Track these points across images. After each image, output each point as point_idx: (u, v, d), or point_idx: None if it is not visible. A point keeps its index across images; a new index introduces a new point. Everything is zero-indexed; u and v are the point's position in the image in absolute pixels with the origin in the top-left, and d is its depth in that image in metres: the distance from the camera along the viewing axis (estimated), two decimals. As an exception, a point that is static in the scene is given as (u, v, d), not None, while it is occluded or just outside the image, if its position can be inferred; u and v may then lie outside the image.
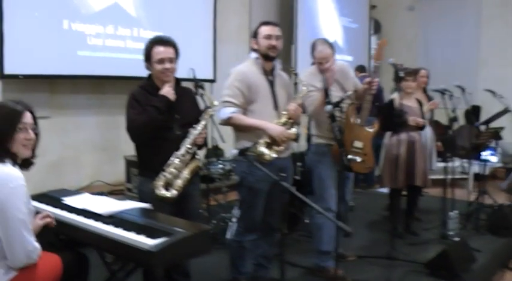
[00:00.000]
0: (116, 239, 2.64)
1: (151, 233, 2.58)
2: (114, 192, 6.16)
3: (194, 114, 3.66)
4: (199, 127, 3.55)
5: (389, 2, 11.37)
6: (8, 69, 5.41)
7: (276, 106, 3.87)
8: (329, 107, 3.93)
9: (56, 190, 3.85)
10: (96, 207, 3.04)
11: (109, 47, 6.33)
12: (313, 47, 4.37)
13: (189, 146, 3.50)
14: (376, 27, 11.41)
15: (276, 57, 3.91)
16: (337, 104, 4.02)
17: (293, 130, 3.83)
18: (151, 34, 6.41)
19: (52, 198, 3.41)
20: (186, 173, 3.49)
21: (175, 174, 3.46)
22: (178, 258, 2.77)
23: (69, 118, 6.34)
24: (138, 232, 2.61)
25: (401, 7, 11.20)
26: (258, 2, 8.80)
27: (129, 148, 3.87)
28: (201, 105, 3.76)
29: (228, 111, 3.79)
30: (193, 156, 3.58)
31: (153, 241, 2.49)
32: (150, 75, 3.65)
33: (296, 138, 3.92)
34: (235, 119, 3.79)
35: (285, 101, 3.92)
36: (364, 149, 4.30)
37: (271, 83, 3.90)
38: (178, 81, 3.69)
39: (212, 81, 7.49)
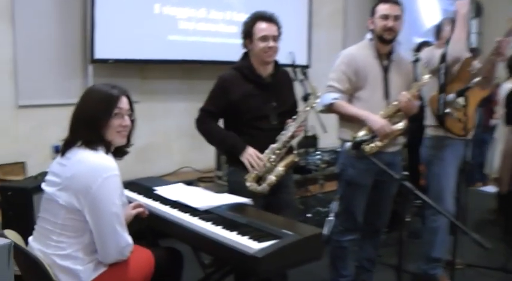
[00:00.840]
0: (215, 239, 2.37)
1: (256, 235, 2.29)
2: (203, 179, 5.98)
3: (292, 102, 3.43)
4: (299, 119, 3.25)
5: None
6: (99, 54, 5.29)
7: (386, 95, 3.49)
8: (451, 96, 3.56)
9: (145, 178, 3.69)
10: (190, 200, 2.81)
11: (200, 31, 6.09)
12: (440, 28, 4.07)
13: (286, 139, 3.22)
14: (478, 10, 10.71)
15: (393, 40, 3.51)
16: (461, 93, 3.62)
17: (399, 125, 3.43)
18: (245, 17, 6.26)
19: (143, 187, 3.22)
20: (280, 168, 3.21)
21: (269, 168, 3.18)
22: (285, 265, 2.39)
23: (158, 104, 6.20)
24: (241, 233, 2.33)
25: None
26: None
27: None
28: (298, 93, 3.46)
29: (330, 97, 3.48)
30: (290, 150, 3.29)
31: (258, 245, 2.19)
32: (245, 55, 3.37)
33: (402, 134, 3.53)
34: (337, 106, 3.48)
35: (399, 89, 3.51)
36: (467, 109, 3.79)
37: (385, 69, 3.52)
38: (277, 63, 3.41)
39: (306, 67, 7.12)
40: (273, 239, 2.25)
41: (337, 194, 3.77)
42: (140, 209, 2.73)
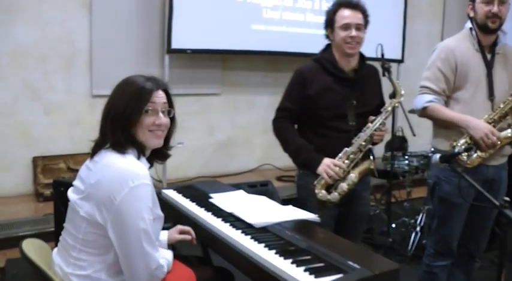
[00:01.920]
0: (264, 267, 1.91)
1: (315, 266, 1.83)
2: (283, 178, 5.58)
3: (376, 102, 2.99)
4: (378, 121, 2.85)
5: None
6: (176, 44, 4.97)
7: (491, 95, 2.94)
8: None
9: (206, 182, 3.34)
10: (247, 213, 2.37)
11: (286, 21, 5.64)
12: None
13: (363, 142, 2.83)
14: None
15: (498, 29, 2.95)
16: None
17: (508, 132, 2.87)
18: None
19: (199, 193, 2.82)
20: (354, 176, 2.81)
21: (341, 175, 2.77)
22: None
23: (241, 96, 5.90)
24: (298, 262, 1.87)
25: None
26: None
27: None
28: (386, 92, 2.99)
29: (423, 100, 2.99)
30: (366, 155, 2.88)
31: None
32: (328, 46, 2.98)
33: (511, 143, 2.95)
34: (432, 110, 2.98)
35: (506, 88, 2.97)
36: None
37: (489, 64, 2.96)
38: (363, 57, 3.00)
39: (400, 61, 6.54)
40: (335, 274, 1.78)
41: (427, 205, 3.26)
42: (187, 237, 2.37)
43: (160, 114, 2.02)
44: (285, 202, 3.01)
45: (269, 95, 5.69)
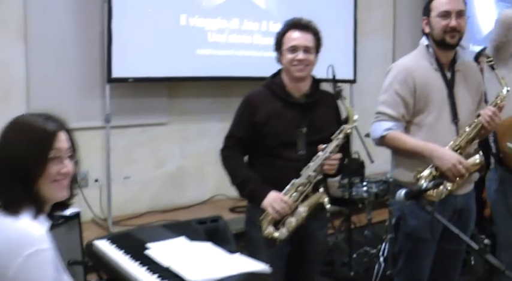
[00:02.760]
0: None
1: None
2: (237, 209, 5.21)
3: (330, 130, 2.74)
4: (328, 150, 2.65)
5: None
6: (117, 72, 4.59)
7: (455, 117, 2.72)
8: None
9: (146, 227, 3.21)
10: (187, 266, 2.04)
11: (233, 44, 5.33)
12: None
13: (312, 173, 2.63)
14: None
15: (457, 44, 2.74)
16: None
17: (476, 158, 2.66)
18: (282, 28, 5.55)
19: (135, 242, 2.46)
20: (302, 210, 2.63)
21: (288, 210, 2.62)
22: None
23: (190, 124, 5.54)
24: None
25: None
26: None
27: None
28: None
29: (381, 128, 2.76)
30: (316, 187, 2.67)
31: None
32: (279, 71, 2.82)
33: (481, 169, 2.73)
34: (391, 139, 2.74)
35: (470, 108, 2.76)
36: None
37: (450, 83, 2.75)
38: (317, 81, 2.83)
39: (352, 81, 6.28)
40: None
41: (389, 234, 3.32)
42: None
43: (66, 161, 1.68)
44: (238, 236, 2.88)
45: (220, 122, 5.40)
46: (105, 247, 2.42)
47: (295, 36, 2.73)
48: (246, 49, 5.40)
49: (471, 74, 2.88)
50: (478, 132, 2.69)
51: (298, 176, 2.64)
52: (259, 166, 2.78)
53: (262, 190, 2.67)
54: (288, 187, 2.63)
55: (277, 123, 2.71)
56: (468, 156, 2.66)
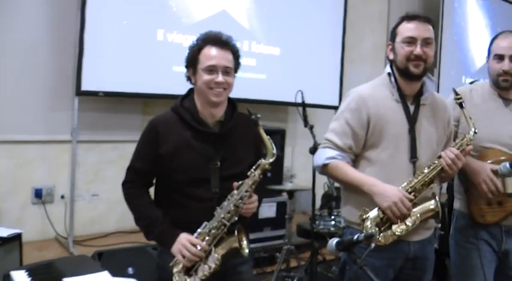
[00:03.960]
0: None
1: None
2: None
3: (248, 163, 2.38)
4: (243, 188, 2.28)
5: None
6: (87, 85, 4.37)
7: (413, 156, 2.43)
8: (506, 167, 2.59)
9: (72, 258, 3.25)
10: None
11: None
12: (491, 44, 3.00)
13: (226, 214, 2.26)
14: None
15: (423, 74, 2.48)
16: None
17: (431, 204, 2.37)
18: (266, 49, 5.29)
19: (53, 275, 2.30)
20: (216, 257, 2.27)
21: (199, 256, 2.27)
22: None
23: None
24: None
25: None
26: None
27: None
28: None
29: (324, 156, 2.48)
30: (232, 230, 2.29)
31: None
32: (190, 91, 2.47)
33: (436, 215, 2.41)
34: (333, 168, 2.47)
35: (434, 147, 2.49)
36: None
37: (412, 118, 2.48)
38: (234, 106, 2.48)
39: (337, 108, 6.04)
40: None
41: None
42: None
43: None
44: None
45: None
46: (22, 279, 2.19)
47: (214, 55, 2.35)
48: (226, 68, 5.16)
49: (439, 110, 2.60)
50: (438, 175, 2.41)
51: (210, 217, 2.28)
52: (167, 205, 2.38)
53: (171, 233, 2.31)
54: (199, 230, 2.28)
55: (186, 157, 2.34)
56: (424, 200, 2.39)
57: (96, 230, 4.85)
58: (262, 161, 2.28)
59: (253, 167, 2.29)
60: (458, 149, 2.42)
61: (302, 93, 2.76)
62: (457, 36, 7.69)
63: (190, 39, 4.74)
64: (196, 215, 2.28)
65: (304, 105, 2.72)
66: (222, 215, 2.25)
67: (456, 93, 2.54)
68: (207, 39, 2.41)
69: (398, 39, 2.48)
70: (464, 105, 2.51)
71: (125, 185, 2.44)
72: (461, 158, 2.39)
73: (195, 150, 2.33)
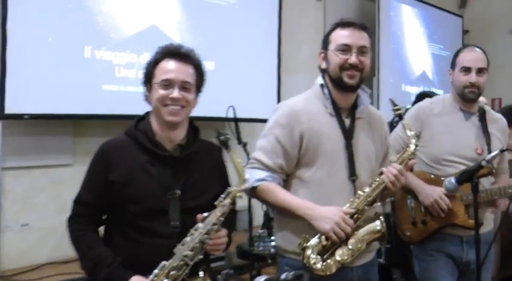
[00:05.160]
0: None
1: None
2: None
3: (215, 191, 2.21)
4: (211, 220, 2.08)
5: (485, 26, 9.69)
6: (11, 108, 4.19)
7: (352, 174, 2.33)
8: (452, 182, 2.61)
9: None
10: None
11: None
12: (456, 56, 3.06)
13: (189, 252, 2.04)
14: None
15: (358, 86, 2.39)
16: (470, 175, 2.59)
17: (376, 224, 2.28)
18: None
19: None
20: None
21: None
22: None
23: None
24: None
25: (499, 31, 9.51)
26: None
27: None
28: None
29: (253, 178, 2.32)
30: (195, 270, 2.09)
31: None
32: (147, 114, 2.30)
33: (381, 237, 2.32)
34: (264, 191, 2.33)
35: (372, 163, 2.41)
36: None
37: (349, 132, 2.38)
38: (196, 129, 2.31)
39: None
40: None
41: None
42: None
43: None
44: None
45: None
46: None
47: (171, 68, 2.17)
48: (158, 85, 5.08)
49: (375, 123, 2.50)
50: (380, 193, 2.30)
51: (170, 256, 2.04)
52: (118, 241, 2.16)
53: (121, 275, 2.07)
54: (156, 271, 2.02)
55: (142, 184, 2.13)
56: (368, 221, 2.29)
57: (27, 262, 4.62)
58: (234, 188, 2.11)
59: (223, 195, 2.10)
60: (400, 164, 2.33)
61: (234, 109, 2.68)
62: (394, 45, 7.84)
63: (119, 56, 4.78)
64: (153, 253, 2.05)
65: (236, 120, 2.64)
66: (184, 253, 2.02)
67: (394, 104, 2.50)
68: (164, 51, 2.25)
69: (331, 46, 2.38)
70: (403, 117, 2.47)
71: (71, 220, 2.23)
72: (404, 173, 2.30)
73: (152, 176, 2.13)
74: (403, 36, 8.03)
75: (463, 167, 2.87)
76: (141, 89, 4.80)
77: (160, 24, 5.10)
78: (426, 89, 7.82)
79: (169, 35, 5.14)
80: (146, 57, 4.75)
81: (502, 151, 2.66)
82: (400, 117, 2.49)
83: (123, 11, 4.82)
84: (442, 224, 2.91)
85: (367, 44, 2.39)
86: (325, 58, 2.43)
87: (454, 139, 2.92)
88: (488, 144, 2.95)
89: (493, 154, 2.61)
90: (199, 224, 2.07)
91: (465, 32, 9.75)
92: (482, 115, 3.05)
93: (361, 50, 2.35)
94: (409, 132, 2.45)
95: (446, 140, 2.92)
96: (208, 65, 5.35)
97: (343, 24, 2.40)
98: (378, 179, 2.30)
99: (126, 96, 4.85)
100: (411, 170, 2.47)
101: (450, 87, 3.15)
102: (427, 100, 3.17)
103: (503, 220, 3.84)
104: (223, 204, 2.08)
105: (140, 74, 4.72)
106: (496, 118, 3.13)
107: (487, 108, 3.15)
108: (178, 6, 5.25)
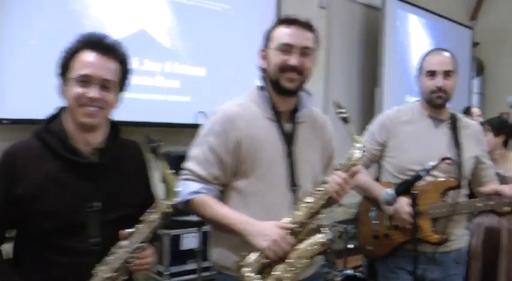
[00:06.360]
0: None
1: None
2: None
3: (139, 200, 2.00)
4: (137, 239, 1.85)
5: (495, 38, 9.58)
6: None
7: (293, 184, 2.18)
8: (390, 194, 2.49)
9: None
10: None
11: (132, 86, 4.83)
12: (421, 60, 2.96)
13: (110, 274, 1.81)
14: (479, 68, 9.69)
15: (297, 90, 2.23)
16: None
17: (319, 237, 2.09)
18: (189, 69, 5.18)
19: None
20: None
21: None
22: None
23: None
24: None
25: (509, 44, 9.38)
26: (337, 35, 7.23)
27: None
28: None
29: (187, 190, 2.15)
30: None
31: None
32: (61, 110, 2.02)
33: (324, 251, 2.13)
34: (198, 205, 2.17)
35: (316, 171, 2.26)
36: None
37: (289, 138, 2.22)
38: (117, 129, 2.08)
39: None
40: None
41: None
42: None
43: None
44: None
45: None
46: None
47: (91, 62, 1.89)
48: (146, 92, 5.00)
49: (318, 128, 2.35)
50: (325, 203, 2.14)
51: (90, 276, 1.81)
52: (30, 263, 1.88)
53: None
54: None
55: (54, 198, 1.85)
56: (310, 234, 2.11)
57: None
58: (162, 202, 1.86)
59: (150, 209, 1.87)
60: (345, 171, 2.16)
61: (205, 115, 2.56)
62: (400, 55, 7.73)
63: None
64: (70, 274, 1.81)
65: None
66: (106, 275, 1.80)
67: (338, 107, 2.22)
68: (85, 41, 1.95)
69: (272, 45, 2.21)
70: (348, 121, 2.20)
71: None
72: (349, 182, 2.15)
73: (67, 187, 1.87)
74: (409, 46, 7.91)
75: (431, 179, 2.75)
76: (130, 95, 4.78)
77: (149, 29, 5.03)
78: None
79: (158, 40, 5.08)
80: (134, 62, 4.80)
81: (443, 159, 2.54)
82: (345, 121, 2.20)
83: (111, 15, 4.75)
84: (405, 239, 2.75)
85: (312, 45, 2.22)
86: (266, 57, 2.25)
87: (422, 148, 2.78)
88: (459, 153, 2.81)
89: (432, 163, 2.48)
90: (124, 242, 1.84)
91: (475, 44, 9.63)
92: (454, 123, 2.91)
93: (304, 52, 2.18)
94: (356, 137, 2.23)
95: (414, 149, 2.78)
96: (199, 72, 5.39)
97: (286, 21, 2.22)
98: (321, 188, 2.13)
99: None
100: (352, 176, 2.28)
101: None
102: (394, 108, 3.05)
103: (488, 235, 3.76)
104: (150, 219, 1.86)
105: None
106: (468, 125, 2.97)
107: (460, 115, 3.01)
108: (169, 11, 5.17)
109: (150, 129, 4.62)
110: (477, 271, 3.79)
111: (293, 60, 2.15)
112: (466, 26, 9.46)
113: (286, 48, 2.16)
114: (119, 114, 4.61)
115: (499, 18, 9.56)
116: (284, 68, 2.16)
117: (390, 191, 2.52)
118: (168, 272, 4.36)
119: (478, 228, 3.86)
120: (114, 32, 4.66)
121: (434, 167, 2.51)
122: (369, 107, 7.37)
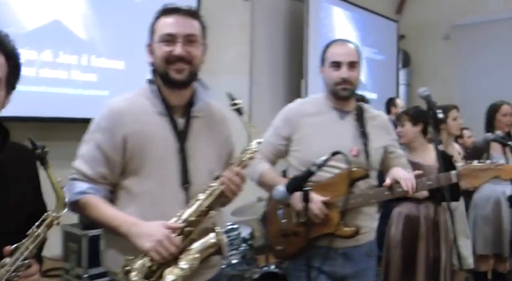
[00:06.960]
0: None
1: None
2: (49, 273, 4.51)
3: (28, 209, 1.78)
4: (20, 255, 1.66)
5: (420, 31, 9.86)
6: None
7: (185, 181, 2.11)
8: (280, 191, 2.39)
9: None
10: None
11: (46, 79, 4.73)
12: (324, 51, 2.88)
13: None
14: (405, 60, 9.92)
15: (189, 81, 2.16)
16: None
17: (210, 237, 2.03)
18: (108, 63, 5.05)
19: None
20: None
21: None
22: None
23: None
24: None
25: (434, 37, 9.66)
26: (261, 27, 7.27)
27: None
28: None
29: (74, 190, 2.06)
30: None
31: None
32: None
33: (218, 251, 2.07)
34: (85, 206, 2.07)
35: (211, 168, 2.18)
36: None
37: (182, 134, 2.15)
38: (6, 133, 1.82)
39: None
40: None
41: None
42: None
43: None
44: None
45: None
46: None
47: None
48: (61, 86, 4.84)
49: (216, 123, 2.29)
50: (217, 200, 2.08)
51: None
52: None
53: None
54: None
55: None
56: (204, 234, 2.06)
57: None
58: (51, 214, 1.70)
59: (37, 222, 1.69)
60: (239, 166, 2.11)
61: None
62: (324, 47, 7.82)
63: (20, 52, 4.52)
64: None
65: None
66: None
67: (232, 98, 2.18)
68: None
69: (155, 38, 2.15)
70: (242, 112, 2.16)
71: None
72: (242, 175, 2.10)
73: None
74: (334, 38, 7.98)
75: (337, 171, 2.73)
76: (43, 89, 4.66)
77: (64, 19, 4.85)
78: (358, 93, 7.82)
79: (74, 32, 4.92)
80: (48, 54, 4.69)
81: (333, 154, 2.45)
82: (240, 112, 2.15)
83: (23, 4, 4.57)
84: (315, 235, 2.68)
85: (196, 33, 2.16)
86: (152, 51, 2.18)
87: (327, 140, 2.72)
88: (365, 144, 2.79)
89: (323, 158, 2.42)
90: (7, 259, 1.65)
91: (401, 37, 9.86)
92: (360, 114, 2.88)
93: (189, 39, 2.12)
94: (251, 129, 2.18)
95: (318, 141, 2.73)
96: (117, 65, 5.26)
97: (167, 11, 2.16)
98: (213, 184, 2.07)
99: (26, 97, 4.43)
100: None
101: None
102: (298, 101, 3.01)
103: (407, 224, 3.82)
104: (36, 234, 1.69)
105: (41, 73, 4.60)
106: (374, 115, 2.94)
107: (366, 106, 2.99)
108: (85, 1, 5.02)
109: (73, 125, 4.48)
110: (397, 260, 3.82)
111: (178, 50, 2.08)
112: (392, 20, 9.65)
113: (169, 39, 2.10)
114: (34, 109, 4.51)
115: (423, 11, 9.81)
116: (170, 59, 2.09)
117: (281, 187, 2.39)
118: (87, 275, 4.23)
119: (398, 216, 3.90)
120: (27, 22, 4.56)
121: (325, 162, 2.42)
122: (295, 99, 7.39)
